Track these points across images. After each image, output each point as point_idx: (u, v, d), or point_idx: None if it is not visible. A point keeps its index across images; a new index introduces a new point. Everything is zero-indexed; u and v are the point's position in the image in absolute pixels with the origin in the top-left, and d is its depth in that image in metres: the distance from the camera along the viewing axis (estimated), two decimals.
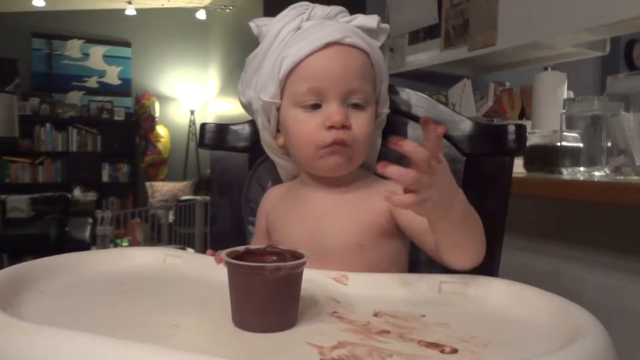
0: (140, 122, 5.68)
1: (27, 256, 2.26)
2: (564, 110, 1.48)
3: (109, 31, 5.67)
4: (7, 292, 0.50)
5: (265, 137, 0.76)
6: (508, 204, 0.72)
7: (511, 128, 0.71)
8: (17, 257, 2.23)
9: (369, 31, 0.73)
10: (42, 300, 0.52)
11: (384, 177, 0.64)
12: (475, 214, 0.61)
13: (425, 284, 0.58)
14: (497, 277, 0.58)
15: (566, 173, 1.40)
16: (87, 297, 0.55)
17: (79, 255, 0.66)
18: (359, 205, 0.70)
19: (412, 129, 0.80)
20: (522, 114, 2.09)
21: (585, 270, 1.33)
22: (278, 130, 0.74)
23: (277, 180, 0.82)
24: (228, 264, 0.45)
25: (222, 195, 0.88)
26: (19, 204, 2.36)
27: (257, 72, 0.72)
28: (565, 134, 1.44)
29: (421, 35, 2.24)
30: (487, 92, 2.01)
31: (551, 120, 1.76)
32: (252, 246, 0.50)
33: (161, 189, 5.54)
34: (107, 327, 0.44)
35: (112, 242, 4.53)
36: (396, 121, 0.80)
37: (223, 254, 0.46)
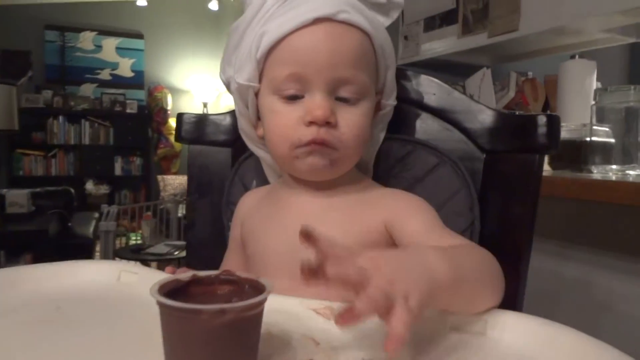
0: (152, 114, 5.62)
1: (26, 253, 2.19)
2: (594, 102, 1.35)
3: (121, 23, 5.63)
4: None
5: (243, 125, 0.65)
6: (536, 211, 0.59)
7: (541, 119, 0.58)
8: (15, 254, 2.16)
9: (376, 5, 0.61)
10: None
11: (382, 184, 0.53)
12: (470, 272, 0.46)
13: (433, 321, 0.45)
14: (526, 314, 0.45)
15: (596, 171, 1.29)
16: (6, 329, 0.44)
17: (18, 270, 0.55)
18: (349, 214, 0.59)
19: (422, 120, 0.68)
20: (546, 106, 1.96)
21: (618, 279, 1.21)
22: (259, 118, 0.63)
23: (263, 180, 0.71)
24: (158, 303, 0.33)
25: (200, 197, 0.77)
26: (18, 198, 2.29)
27: (238, 48, 0.61)
28: (595, 127, 1.32)
29: (437, 22, 2.12)
30: (508, 82, 1.87)
31: (578, 113, 1.64)
32: (201, 273, 0.39)
33: (173, 183, 5.48)
34: None
35: (124, 235, 4.50)
36: (403, 110, 0.68)
37: (155, 286, 0.34)
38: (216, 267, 0.71)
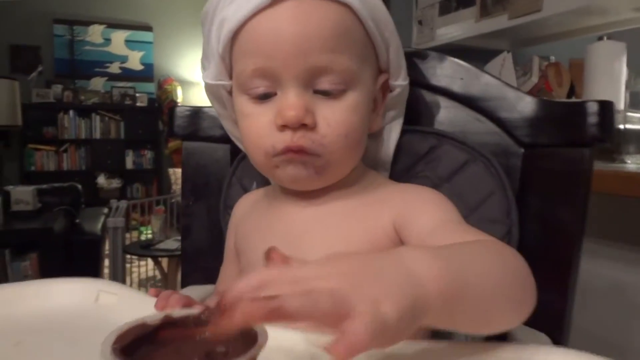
0: (162, 107, 5.58)
1: (32, 252, 2.14)
2: (627, 87, 1.25)
3: (130, 15, 5.59)
4: None
5: (227, 127, 0.57)
6: (587, 216, 0.50)
7: (592, 107, 0.49)
8: (21, 252, 2.12)
9: None
10: None
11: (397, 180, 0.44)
12: (479, 277, 0.34)
13: (461, 356, 0.36)
14: (587, 353, 0.35)
15: (631, 162, 1.20)
16: None
17: None
18: (351, 219, 0.50)
19: (447, 109, 0.58)
20: (571, 92, 1.84)
21: None
22: None
23: (265, 180, 0.62)
24: None
25: (197, 200, 0.69)
26: (23, 195, 2.23)
27: (209, 39, 0.52)
28: (629, 114, 1.22)
29: (453, 5, 2.02)
30: (531, 67, 1.75)
31: (607, 98, 1.53)
32: (176, 312, 0.30)
33: None
34: None
35: (136, 229, 4.47)
36: (424, 99, 0.59)
37: (111, 337, 0.26)
38: (215, 280, 0.63)
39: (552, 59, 1.93)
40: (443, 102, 0.59)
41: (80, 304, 0.47)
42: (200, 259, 0.68)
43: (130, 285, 3.13)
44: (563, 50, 1.99)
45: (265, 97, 0.47)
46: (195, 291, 0.62)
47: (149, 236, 3.55)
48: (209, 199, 0.68)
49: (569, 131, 0.51)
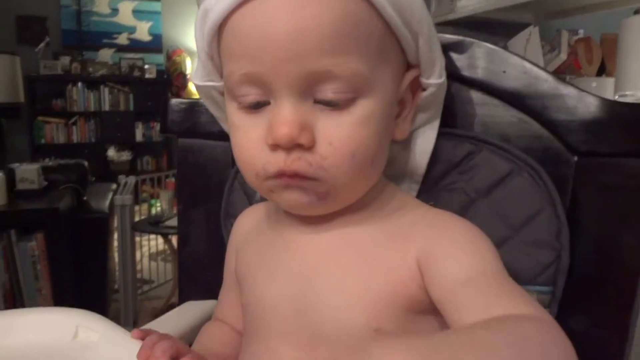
0: (171, 79, 5.52)
1: (37, 232, 2.11)
2: None
3: None
4: None
5: (227, 130, 0.49)
6: None
7: None
8: (26, 232, 2.08)
9: None
10: None
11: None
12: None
13: None
14: None
15: None
16: None
17: None
18: (371, 253, 0.42)
19: (485, 108, 0.49)
20: (602, 70, 1.73)
21: None
22: None
23: None
24: None
25: (195, 206, 0.61)
26: (28, 174, 2.18)
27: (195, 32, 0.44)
28: None
29: None
30: (559, 42, 1.64)
31: None
32: None
33: None
34: None
35: (145, 201, 4.44)
36: (457, 95, 0.50)
37: None
38: (216, 293, 0.56)
39: (581, 32, 1.81)
40: (479, 98, 0.50)
41: (56, 340, 0.41)
42: (200, 271, 0.61)
43: (141, 259, 3.13)
44: (594, 23, 1.87)
45: (257, 106, 0.39)
46: (194, 308, 0.56)
47: (160, 209, 3.51)
48: (209, 204, 0.60)
49: (636, 138, 0.42)
